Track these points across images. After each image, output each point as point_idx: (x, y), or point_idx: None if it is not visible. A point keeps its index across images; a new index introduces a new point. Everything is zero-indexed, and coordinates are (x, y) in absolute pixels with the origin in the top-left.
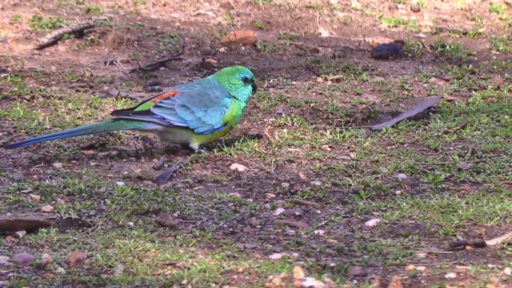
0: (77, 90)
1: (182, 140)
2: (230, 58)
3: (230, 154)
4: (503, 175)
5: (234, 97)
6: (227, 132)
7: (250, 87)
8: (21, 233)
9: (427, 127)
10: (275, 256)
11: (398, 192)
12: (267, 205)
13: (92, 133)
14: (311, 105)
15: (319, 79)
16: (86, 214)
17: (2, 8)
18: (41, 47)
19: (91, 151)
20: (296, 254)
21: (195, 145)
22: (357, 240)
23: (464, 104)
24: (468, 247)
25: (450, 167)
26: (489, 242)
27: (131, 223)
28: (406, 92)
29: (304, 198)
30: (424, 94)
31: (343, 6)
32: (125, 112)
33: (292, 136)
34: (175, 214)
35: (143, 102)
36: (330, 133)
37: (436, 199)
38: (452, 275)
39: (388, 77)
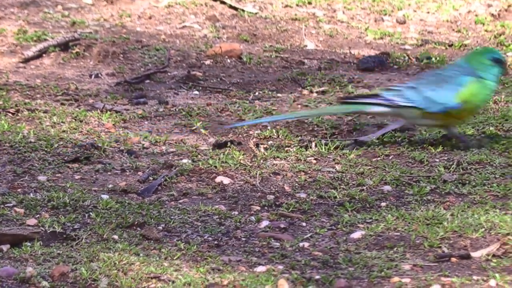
0: (62, 103)
1: (415, 122)
2: (215, 70)
3: (215, 167)
4: (488, 187)
5: (481, 77)
6: (472, 113)
7: (499, 68)
8: (5, 247)
9: (412, 139)
10: (260, 269)
11: (383, 204)
12: (252, 218)
13: (321, 115)
14: None
15: (305, 91)
16: (71, 228)
17: None
18: (26, 60)
19: (76, 165)
20: (281, 267)
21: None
22: (342, 252)
23: None
24: (453, 259)
25: (435, 179)
26: (474, 254)
27: (115, 237)
28: None
29: (289, 210)
30: None
31: (329, 18)
32: (351, 97)
33: (277, 148)
34: (160, 227)
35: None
36: (316, 145)
37: (421, 211)
38: (437, 287)
39: (374, 89)
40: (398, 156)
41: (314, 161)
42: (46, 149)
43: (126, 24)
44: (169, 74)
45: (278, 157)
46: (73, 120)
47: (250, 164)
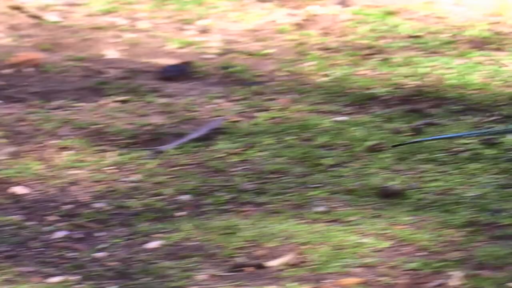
0: None
1: None
2: (15, 80)
3: (10, 176)
4: (286, 196)
5: None
6: None
7: None
8: None
9: (212, 149)
10: (55, 279)
11: (181, 213)
12: (49, 228)
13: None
14: (96, 127)
15: (105, 101)
16: None
17: None
18: None
19: None
20: (75, 278)
21: None
22: (138, 262)
23: (249, 125)
24: (249, 269)
25: (234, 188)
26: (269, 263)
27: None
28: (192, 113)
29: (86, 220)
30: (210, 115)
31: (130, 27)
32: None
33: (75, 158)
34: None
35: None
36: (115, 155)
37: (219, 220)
38: None
39: (175, 98)
40: (198, 166)
41: (113, 171)
42: None
43: None
44: None
45: (76, 166)
46: None
47: (47, 174)
